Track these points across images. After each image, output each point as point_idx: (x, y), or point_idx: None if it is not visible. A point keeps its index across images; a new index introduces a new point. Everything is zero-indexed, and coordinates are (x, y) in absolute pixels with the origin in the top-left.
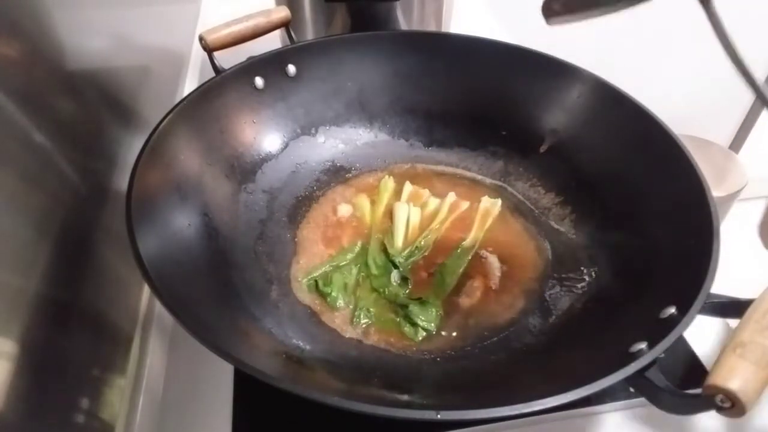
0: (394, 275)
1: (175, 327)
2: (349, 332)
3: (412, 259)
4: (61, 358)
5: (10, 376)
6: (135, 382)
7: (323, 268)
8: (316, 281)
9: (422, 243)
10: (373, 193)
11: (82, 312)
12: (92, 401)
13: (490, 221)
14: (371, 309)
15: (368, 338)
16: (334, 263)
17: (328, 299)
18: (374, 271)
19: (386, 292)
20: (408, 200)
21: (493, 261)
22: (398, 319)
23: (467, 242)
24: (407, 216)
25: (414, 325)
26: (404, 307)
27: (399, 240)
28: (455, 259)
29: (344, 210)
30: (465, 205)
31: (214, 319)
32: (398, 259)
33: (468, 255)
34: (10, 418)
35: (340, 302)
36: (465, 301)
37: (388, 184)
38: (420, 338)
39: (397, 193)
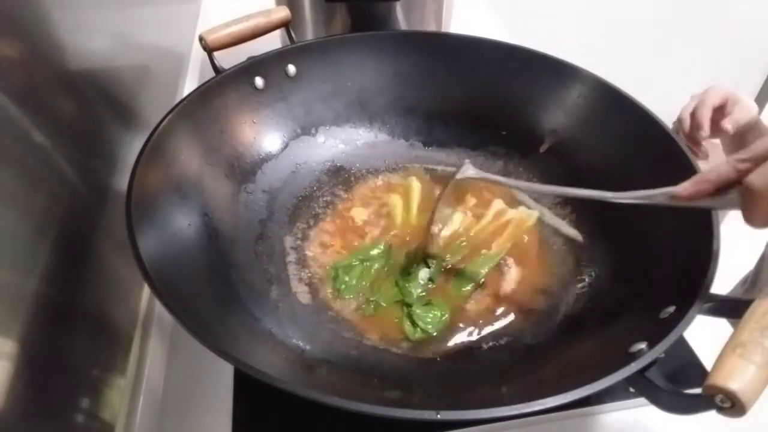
0: (423, 274)
1: (175, 327)
2: (348, 321)
3: (446, 261)
4: (61, 358)
5: (10, 376)
6: (135, 382)
7: (348, 261)
8: (336, 270)
9: (458, 249)
10: (375, 194)
11: (82, 312)
12: (92, 401)
13: (520, 232)
14: (383, 303)
15: (365, 327)
16: (360, 257)
17: (342, 287)
18: (406, 268)
19: (405, 288)
20: (454, 203)
21: (514, 272)
22: (402, 316)
23: (493, 250)
24: (460, 223)
25: (415, 325)
26: (409, 306)
27: (443, 243)
28: (478, 265)
29: (360, 214)
30: (512, 212)
31: (214, 319)
32: (433, 261)
33: (492, 263)
34: (10, 418)
35: (349, 294)
36: (472, 307)
37: (414, 184)
38: (416, 337)
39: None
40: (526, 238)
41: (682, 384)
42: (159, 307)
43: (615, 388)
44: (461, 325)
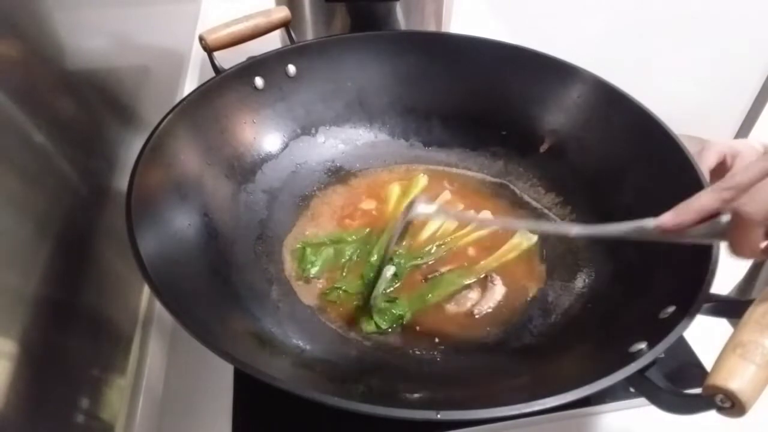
0: (388, 270)
1: (175, 327)
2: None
3: (414, 263)
4: (61, 358)
5: (10, 376)
6: (135, 382)
7: (319, 240)
8: (304, 247)
9: (433, 251)
10: (378, 191)
11: (82, 312)
12: (92, 401)
13: (513, 255)
14: (347, 290)
15: (323, 314)
16: (333, 239)
17: (308, 266)
18: (373, 259)
19: (369, 282)
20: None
21: (499, 289)
22: (360, 306)
23: (479, 266)
24: (440, 226)
25: (370, 317)
26: (373, 299)
27: (418, 243)
28: (455, 276)
29: (360, 207)
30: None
31: (214, 319)
32: (401, 260)
33: (471, 278)
34: (10, 418)
35: (314, 272)
36: (452, 308)
37: (420, 180)
38: (368, 329)
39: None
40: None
41: (682, 384)
42: (159, 307)
43: (615, 388)
44: (457, 325)
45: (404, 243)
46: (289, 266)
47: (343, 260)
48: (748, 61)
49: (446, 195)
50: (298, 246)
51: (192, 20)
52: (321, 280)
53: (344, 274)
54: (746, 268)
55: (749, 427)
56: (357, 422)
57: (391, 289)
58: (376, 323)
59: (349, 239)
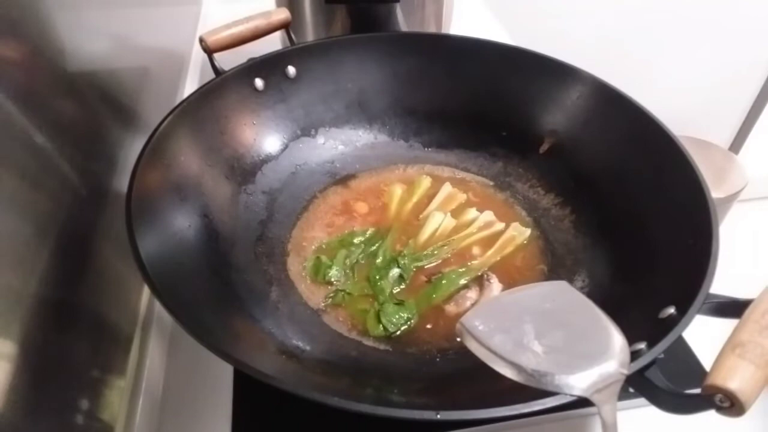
0: (394, 272)
1: (175, 327)
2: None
3: (420, 263)
4: (61, 358)
5: (10, 376)
6: (135, 383)
7: (331, 243)
8: (318, 256)
9: (436, 252)
10: (378, 193)
11: (82, 312)
12: (92, 401)
13: (510, 249)
14: (350, 293)
15: (328, 316)
16: (343, 241)
17: (324, 270)
18: (378, 261)
19: (377, 285)
20: (443, 201)
21: (496, 287)
22: (368, 309)
23: (477, 263)
24: (440, 224)
25: (378, 321)
26: (381, 303)
27: (421, 244)
28: (456, 276)
29: (361, 209)
30: (499, 226)
31: (214, 320)
32: (405, 261)
33: (470, 276)
34: (10, 418)
35: (334, 276)
36: (451, 309)
37: (424, 182)
38: (376, 333)
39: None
40: (515, 254)
41: (682, 384)
42: (159, 307)
43: None
44: (448, 326)
45: (409, 243)
46: (294, 268)
47: (351, 262)
48: (748, 61)
49: (447, 187)
50: (313, 256)
51: (193, 22)
52: (334, 280)
53: (353, 276)
54: (744, 267)
55: (749, 427)
56: (356, 422)
57: (398, 290)
58: (384, 327)
59: (356, 241)
